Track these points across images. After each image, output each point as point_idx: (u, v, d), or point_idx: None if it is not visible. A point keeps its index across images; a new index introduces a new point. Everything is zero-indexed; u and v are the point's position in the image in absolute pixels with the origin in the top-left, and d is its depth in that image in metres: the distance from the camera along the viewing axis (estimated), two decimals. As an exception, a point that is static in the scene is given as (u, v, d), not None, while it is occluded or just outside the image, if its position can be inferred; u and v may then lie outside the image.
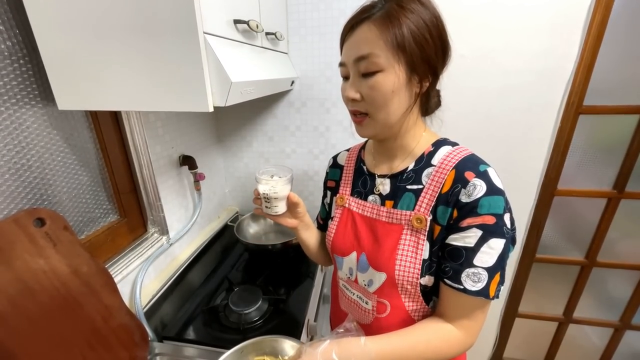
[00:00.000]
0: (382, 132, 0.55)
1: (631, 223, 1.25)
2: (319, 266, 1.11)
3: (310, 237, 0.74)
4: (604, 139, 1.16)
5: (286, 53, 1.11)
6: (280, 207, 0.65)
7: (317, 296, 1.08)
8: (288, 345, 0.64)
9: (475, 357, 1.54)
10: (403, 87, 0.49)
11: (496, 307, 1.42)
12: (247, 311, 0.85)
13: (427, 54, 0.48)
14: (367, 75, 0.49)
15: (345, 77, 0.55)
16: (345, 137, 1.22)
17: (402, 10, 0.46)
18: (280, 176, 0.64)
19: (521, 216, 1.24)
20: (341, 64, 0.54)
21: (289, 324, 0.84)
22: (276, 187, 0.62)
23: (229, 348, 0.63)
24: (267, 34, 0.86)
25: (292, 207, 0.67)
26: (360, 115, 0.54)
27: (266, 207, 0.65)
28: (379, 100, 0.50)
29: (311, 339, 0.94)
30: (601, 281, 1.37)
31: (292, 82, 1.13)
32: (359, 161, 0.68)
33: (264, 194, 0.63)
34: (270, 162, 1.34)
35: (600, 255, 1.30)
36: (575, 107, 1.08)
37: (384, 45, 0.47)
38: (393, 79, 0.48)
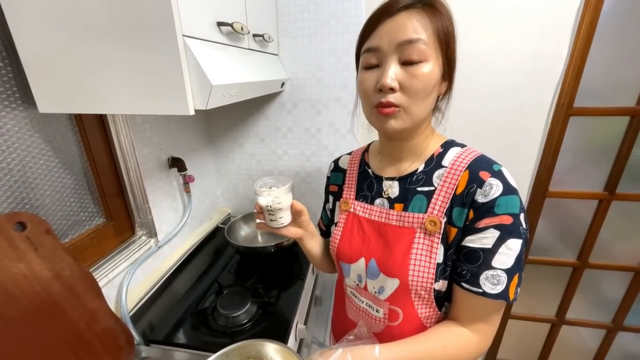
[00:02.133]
0: (410, 129, 0.52)
1: (623, 224, 1.25)
2: (310, 268, 1.11)
3: (315, 245, 0.71)
4: (595, 141, 1.16)
5: (276, 55, 1.11)
6: (286, 218, 0.62)
7: (308, 299, 1.08)
8: (272, 349, 0.64)
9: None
10: (438, 84, 0.49)
11: (489, 309, 1.42)
12: (235, 314, 0.85)
13: (454, 54, 0.49)
14: (408, 63, 0.46)
15: (368, 67, 0.50)
16: (336, 139, 1.22)
17: (441, 6, 0.47)
18: (279, 186, 0.61)
19: (513, 218, 1.24)
20: (369, 49, 0.49)
21: (278, 327, 0.84)
22: (280, 196, 0.59)
23: (215, 351, 0.62)
24: (254, 35, 0.86)
25: (295, 215, 0.64)
26: (392, 107, 0.49)
27: (271, 220, 0.62)
28: (421, 92, 0.47)
29: (299, 342, 0.94)
30: (594, 282, 1.37)
31: (283, 84, 1.12)
32: (363, 164, 0.65)
33: (267, 206, 0.60)
34: (262, 164, 1.33)
35: (593, 256, 1.30)
36: (566, 109, 1.08)
37: (432, 34, 0.46)
38: (437, 72, 0.47)
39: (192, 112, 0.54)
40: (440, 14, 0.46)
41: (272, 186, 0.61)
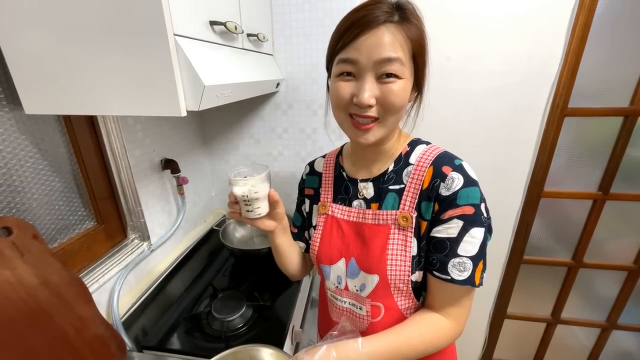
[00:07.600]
0: (384, 138, 0.54)
1: (616, 224, 1.26)
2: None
3: (284, 242, 0.69)
4: (589, 141, 1.17)
5: (271, 55, 1.10)
6: (263, 208, 0.59)
7: (304, 301, 1.07)
8: (267, 354, 0.63)
9: (465, 358, 1.54)
10: (410, 95, 0.52)
11: (485, 309, 1.42)
12: (230, 318, 0.83)
13: (425, 68, 0.52)
14: (384, 78, 0.48)
15: (344, 74, 0.50)
16: (332, 140, 1.21)
17: (416, 19, 0.49)
18: (254, 175, 0.57)
19: (508, 218, 1.24)
20: (347, 60, 0.49)
21: (273, 331, 0.83)
22: (257, 185, 0.56)
23: (210, 357, 0.61)
24: (248, 35, 0.84)
25: (271, 207, 0.62)
26: (369, 121, 0.50)
27: (247, 210, 0.58)
28: (397, 106, 0.49)
29: (296, 346, 0.93)
30: (588, 282, 1.38)
31: (278, 84, 1.11)
32: (338, 167, 0.66)
33: (243, 195, 0.56)
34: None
35: (587, 256, 1.31)
36: (561, 109, 1.09)
37: (408, 51, 0.48)
38: (409, 88, 0.50)
39: (184, 114, 0.53)
40: (416, 28, 0.48)
41: (247, 175, 0.58)
